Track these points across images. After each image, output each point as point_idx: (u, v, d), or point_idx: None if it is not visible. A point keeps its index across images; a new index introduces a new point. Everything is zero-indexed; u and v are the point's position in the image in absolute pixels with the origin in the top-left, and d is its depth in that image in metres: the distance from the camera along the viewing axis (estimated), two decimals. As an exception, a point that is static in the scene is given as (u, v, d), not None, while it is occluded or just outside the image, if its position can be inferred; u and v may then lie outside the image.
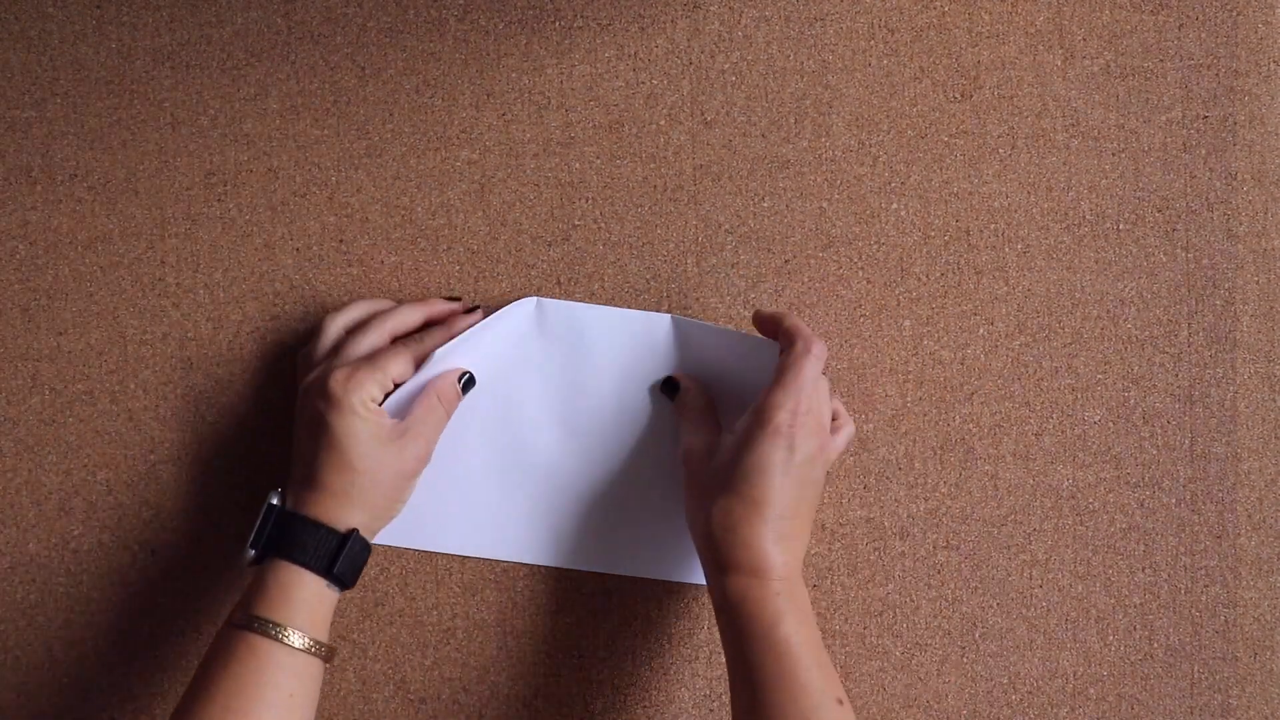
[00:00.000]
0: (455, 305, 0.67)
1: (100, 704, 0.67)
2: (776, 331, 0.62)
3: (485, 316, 0.66)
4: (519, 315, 0.67)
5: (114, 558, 0.67)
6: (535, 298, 0.67)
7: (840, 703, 0.56)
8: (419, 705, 0.68)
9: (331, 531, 0.59)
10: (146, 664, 0.68)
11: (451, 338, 0.64)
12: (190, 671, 0.65)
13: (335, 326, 0.64)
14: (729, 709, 0.68)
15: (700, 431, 0.63)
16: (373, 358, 0.61)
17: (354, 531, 0.59)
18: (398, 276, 0.68)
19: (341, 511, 0.59)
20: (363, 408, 0.59)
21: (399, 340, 0.64)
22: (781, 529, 0.58)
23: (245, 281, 0.68)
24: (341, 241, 0.68)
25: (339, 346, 0.63)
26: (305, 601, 0.58)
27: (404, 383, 0.62)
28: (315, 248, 0.68)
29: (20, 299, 0.67)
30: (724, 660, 0.68)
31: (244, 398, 0.68)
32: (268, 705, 0.55)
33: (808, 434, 0.58)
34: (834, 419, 0.64)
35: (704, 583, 0.66)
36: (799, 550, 0.59)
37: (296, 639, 0.56)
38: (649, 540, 0.68)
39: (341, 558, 0.58)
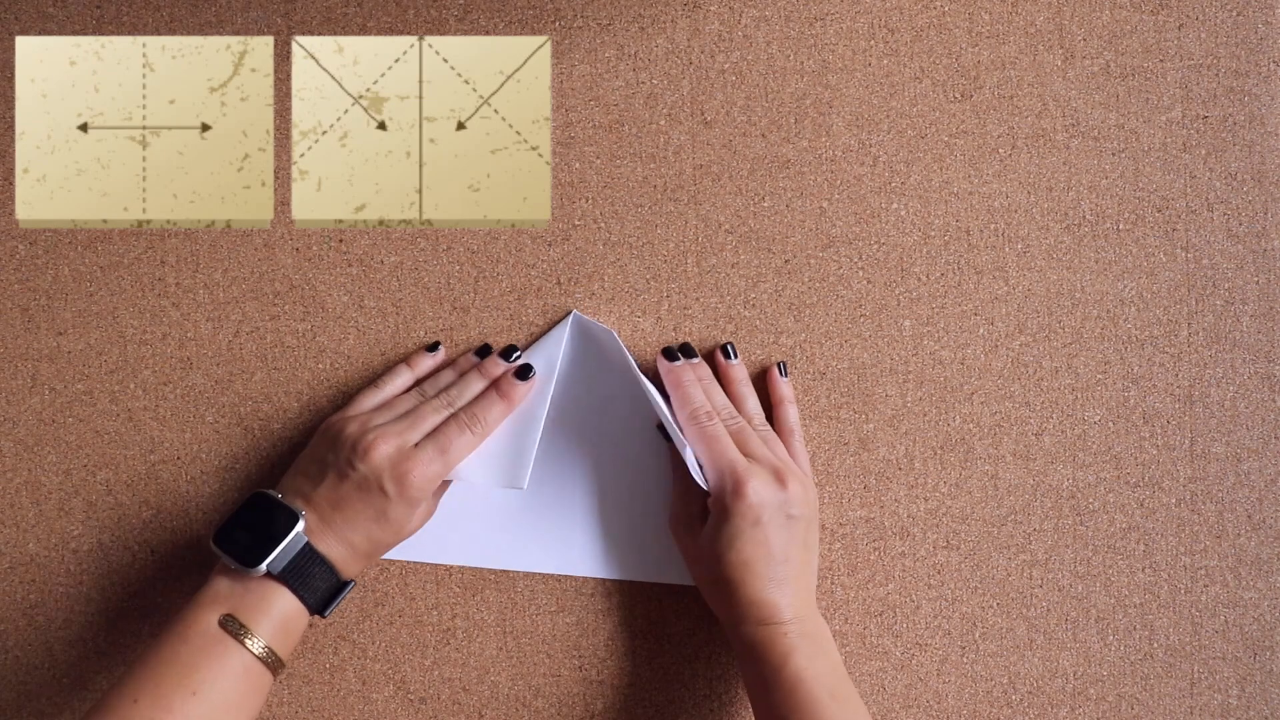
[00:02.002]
0: (506, 365, 0.66)
1: (100, 704, 0.67)
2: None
3: (529, 371, 0.65)
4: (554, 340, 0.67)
5: (114, 558, 0.67)
6: (572, 315, 0.68)
7: None
8: (419, 705, 0.68)
9: (338, 579, 0.61)
10: (146, 664, 0.68)
11: (509, 408, 0.64)
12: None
13: (383, 394, 0.66)
14: (729, 709, 0.68)
15: (684, 499, 0.66)
16: (441, 443, 0.62)
17: (352, 581, 0.62)
18: (398, 276, 0.68)
19: (353, 564, 0.62)
20: (426, 501, 0.62)
21: (464, 416, 0.63)
22: (777, 576, 0.61)
23: (245, 281, 0.68)
24: (341, 241, 0.68)
25: (404, 411, 0.64)
26: (288, 624, 0.59)
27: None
28: (315, 248, 0.68)
29: (20, 299, 0.67)
30: (726, 662, 0.68)
31: (244, 398, 0.68)
32: (233, 703, 0.57)
33: (763, 494, 0.61)
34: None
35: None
36: (803, 587, 0.62)
37: (264, 651, 0.58)
38: (647, 545, 0.68)
39: (335, 602, 0.61)
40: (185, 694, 0.55)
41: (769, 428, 0.67)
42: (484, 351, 0.67)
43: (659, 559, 0.68)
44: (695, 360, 0.67)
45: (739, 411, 0.66)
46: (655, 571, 0.68)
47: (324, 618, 0.62)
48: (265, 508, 0.60)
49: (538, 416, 0.65)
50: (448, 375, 0.66)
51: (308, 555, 0.59)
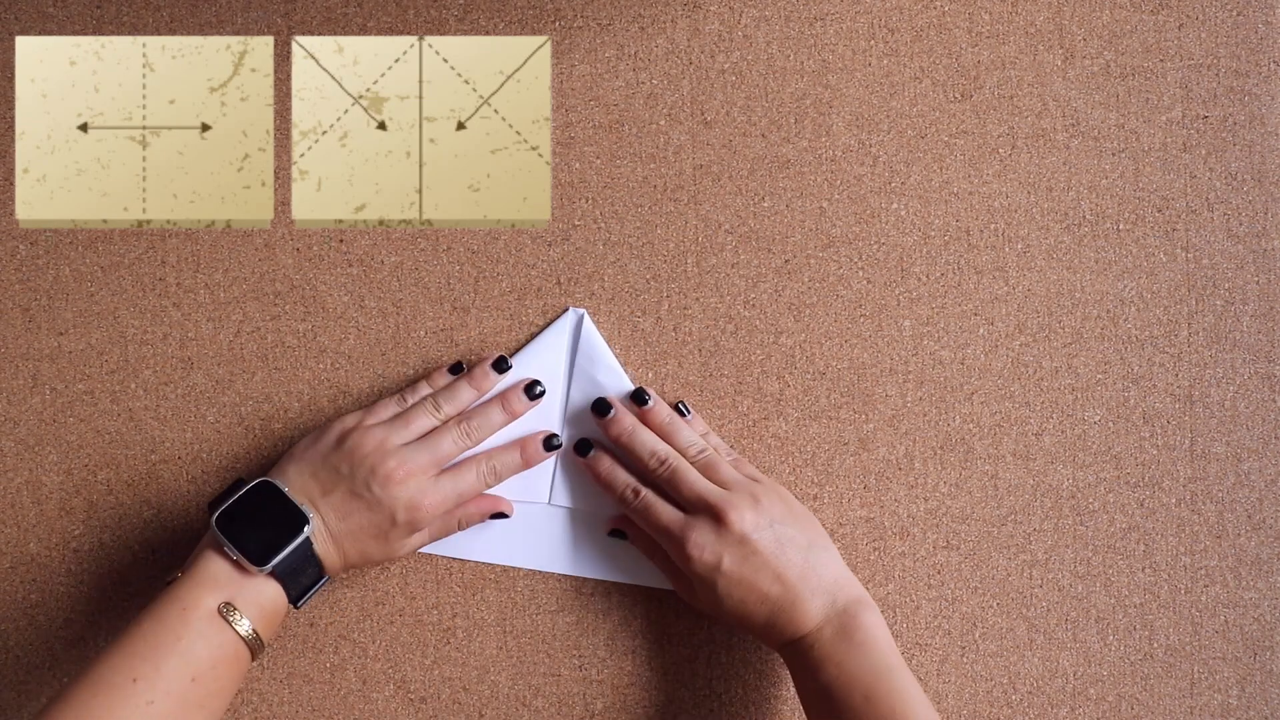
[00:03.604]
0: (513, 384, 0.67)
1: (100, 704, 0.67)
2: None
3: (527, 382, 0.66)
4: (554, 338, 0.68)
5: (114, 558, 0.67)
6: (575, 311, 0.68)
7: None
8: (419, 705, 0.68)
9: (322, 575, 0.62)
10: (147, 664, 0.68)
11: (526, 468, 0.66)
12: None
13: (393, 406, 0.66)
14: (729, 709, 0.68)
15: (670, 569, 0.66)
16: (461, 490, 0.63)
17: (328, 577, 0.63)
18: (398, 276, 0.68)
19: (338, 567, 0.62)
20: (429, 528, 0.64)
21: (485, 468, 0.64)
22: (778, 596, 0.60)
23: (245, 281, 0.68)
24: (341, 241, 0.68)
25: (422, 433, 0.64)
26: (273, 612, 0.60)
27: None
28: (315, 248, 0.68)
29: (20, 299, 0.67)
30: (726, 662, 0.68)
31: (245, 397, 0.68)
32: (224, 689, 0.58)
33: (711, 543, 0.61)
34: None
35: None
36: (818, 586, 0.61)
37: (254, 640, 0.58)
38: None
39: (310, 593, 0.62)
40: (185, 680, 0.56)
41: (706, 448, 0.66)
42: (500, 365, 0.66)
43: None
44: (612, 415, 0.66)
45: (673, 445, 0.65)
46: (656, 576, 0.68)
47: (296, 609, 0.63)
48: (274, 502, 0.60)
49: (551, 428, 0.67)
50: (467, 393, 0.65)
51: (306, 556, 0.60)
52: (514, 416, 0.66)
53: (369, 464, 0.61)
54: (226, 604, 0.58)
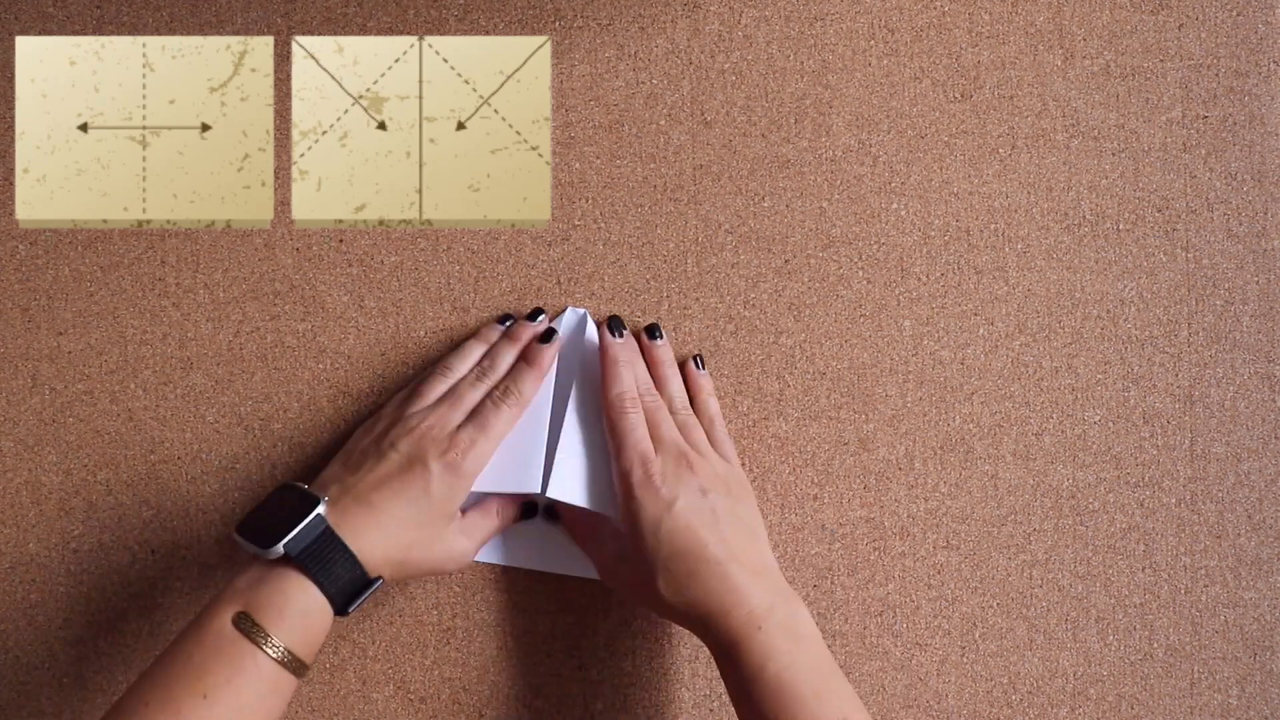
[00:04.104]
0: (532, 327, 0.66)
1: (100, 704, 0.67)
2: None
3: (553, 334, 0.66)
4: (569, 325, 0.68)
5: (114, 558, 0.67)
6: (577, 311, 0.68)
7: None
8: (419, 705, 0.68)
9: (361, 572, 0.57)
10: (146, 664, 0.67)
11: (540, 374, 0.64)
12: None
13: (442, 386, 0.65)
14: (729, 710, 0.68)
15: (599, 545, 0.64)
16: (480, 421, 0.61)
17: (379, 579, 0.58)
18: (398, 276, 0.68)
19: (380, 558, 0.58)
20: (467, 492, 0.61)
21: (497, 392, 0.63)
22: (720, 557, 0.58)
23: (245, 281, 0.68)
24: (341, 241, 0.68)
25: (439, 396, 0.63)
26: (309, 621, 0.55)
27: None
28: (315, 248, 0.68)
29: (20, 299, 0.67)
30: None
31: (244, 397, 0.68)
32: (246, 706, 0.53)
33: (671, 479, 0.60)
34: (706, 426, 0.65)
35: None
36: (758, 567, 0.59)
37: (281, 652, 0.54)
38: None
39: (359, 599, 0.57)
40: (195, 698, 0.52)
41: (690, 411, 0.66)
42: (547, 336, 0.66)
43: None
44: (624, 339, 0.66)
45: (661, 391, 0.65)
46: None
47: (346, 615, 0.57)
48: (288, 496, 0.58)
49: (542, 417, 0.65)
50: (476, 349, 0.66)
51: (328, 540, 0.56)
52: (524, 357, 0.65)
53: (389, 426, 0.62)
54: (241, 614, 0.54)
